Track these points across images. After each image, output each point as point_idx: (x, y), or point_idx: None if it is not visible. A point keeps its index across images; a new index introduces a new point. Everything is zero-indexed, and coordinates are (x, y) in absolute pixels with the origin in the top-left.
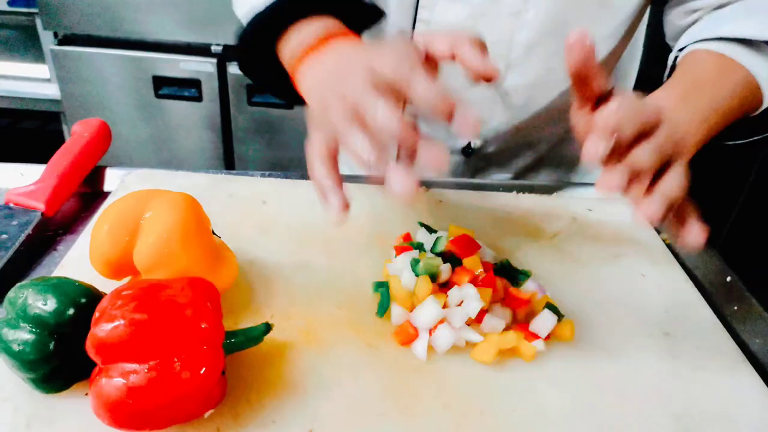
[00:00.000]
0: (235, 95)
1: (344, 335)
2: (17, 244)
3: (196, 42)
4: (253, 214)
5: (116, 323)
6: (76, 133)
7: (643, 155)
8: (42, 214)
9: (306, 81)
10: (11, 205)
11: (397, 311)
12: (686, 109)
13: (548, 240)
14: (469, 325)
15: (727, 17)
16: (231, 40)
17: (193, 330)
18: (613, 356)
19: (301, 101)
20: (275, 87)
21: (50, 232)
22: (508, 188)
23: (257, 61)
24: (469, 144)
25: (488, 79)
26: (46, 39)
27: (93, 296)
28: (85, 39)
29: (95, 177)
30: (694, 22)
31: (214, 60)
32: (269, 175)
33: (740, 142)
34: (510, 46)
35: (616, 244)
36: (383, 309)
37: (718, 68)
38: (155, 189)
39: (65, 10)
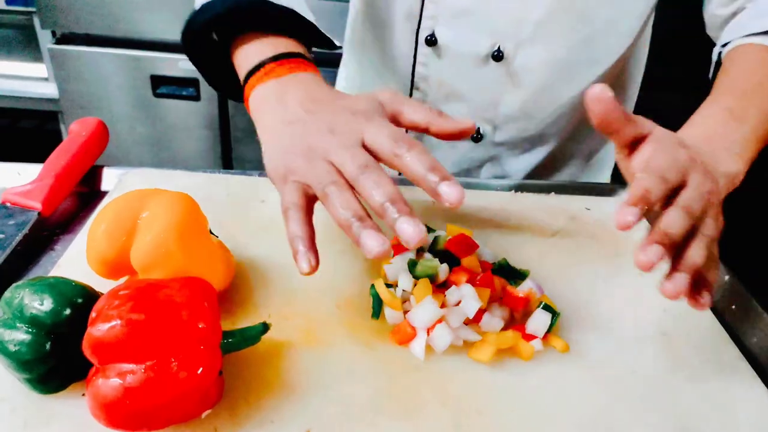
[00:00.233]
0: None
1: (342, 335)
2: (14, 244)
3: None
4: (252, 214)
5: (113, 323)
6: (74, 133)
7: (675, 222)
8: (39, 213)
9: (265, 114)
10: (8, 204)
11: (390, 313)
12: (730, 134)
13: (547, 239)
14: (467, 324)
15: None
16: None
17: (190, 330)
18: (611, 356)
19: (238, 98)
20: (216, 78)
21: (47, 232)
22: (506, 187)
23: (204, 49)
24: (479, 129)
25: (467, 135)
26: (44, 38)
27: (90, 296)
28: (83, 38)
29: (93, 176)
30: (735, 13)
31: None
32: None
33: None
34: (520, 25)
35: (614, 244)
36: (377, 312)
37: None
38: (152, 188)
39: (63, 9)
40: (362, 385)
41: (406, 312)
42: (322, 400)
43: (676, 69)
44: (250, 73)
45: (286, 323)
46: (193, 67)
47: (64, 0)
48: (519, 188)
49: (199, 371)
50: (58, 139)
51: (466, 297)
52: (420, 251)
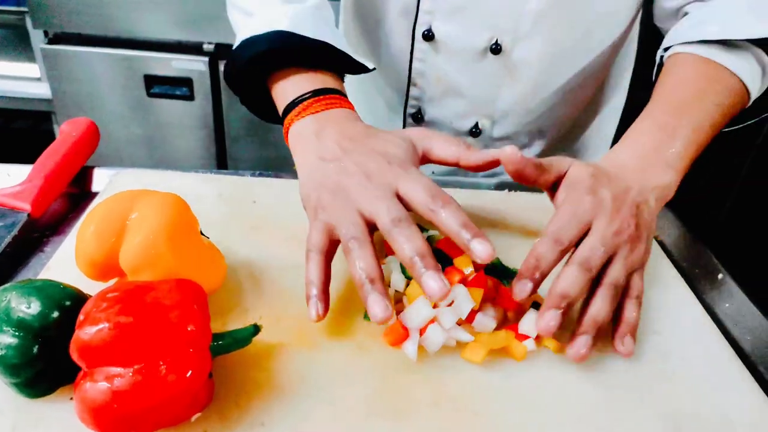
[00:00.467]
0: (228, 94)
1: (334, 336)
2: (2, 246)
3: (187, 40)
4: (243, 214)
5: (100, 326)
6: (64, 133)
7: (571, 282)
8: (28, 215)
9: (303, 148)
10: None
11: None
12: (663, 151)
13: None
14: (459, 324)
15: (713, 15)
16: (223, 39)
17: (179, 333)
18: (603, 355)
19: (277, 120)
20: (256, 105)
21: (37, 234)
22: (500, 186)
23: (245, 82)
24: (477, 124)
25: (496, 165)
26: (36, 38)
27: (78, 299)
28: (76, 38)
29: (83, 177)
30: (681, 8)
31: (206, 58)
32: (260, 175)
33: (728, 129)
34: (518, 18)
35: None
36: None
37: (703, 80)
38: (142, 189)
39: (55, 8)
40: (354, 387)
41: (398, 312)
42: (313, 402)
43: None
44: (288, 109)
45: (278, 325)
46: (187, 67)
47: None
48: (513, 187)
49: (188, 374)
50: (51, 139)
51: (459, 297)
52: None
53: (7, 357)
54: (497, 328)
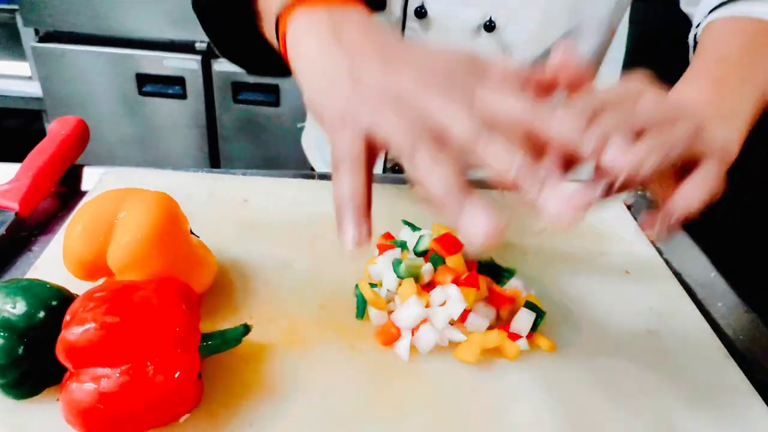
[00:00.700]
0: (220, 93)
1: (326, 336)
2: None
3: (180, 39)
4: (234, 213)
5: (87, 326)
6: (53, 131)
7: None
8: (16, 214)
9: (314, 39)
10: None
11: (374, 312)
12: (723, 101)
13: (533, 238)
14: (452, 324)
15: None
16: None
17: (167, 333)
18: (597, 354)
19: (260, 68)
20: (231, 43)
21: (25, 233)
22: (492, 185)
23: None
24: None
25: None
26: (27, 36)
27: (65, 298)
28: (67, 36)
29: (73, 176)
30: None
31: (199, 57)
32: (251, 174)
33: None
34: None
35: (600, 241)
36: (361, 311)
37: (751, 37)
38: (131, 188)
39: (46, 6)
40: (346, 387)
41: (390, 312)
42: (304, 403)
43: (657, 68)
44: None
45: (268, 324)
46: (179, 65)
47: None
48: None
49: (176, 375)
50: (42, 138)
51: (451, 298)
52: (404, 249)
53: None
54: (490, 328)
